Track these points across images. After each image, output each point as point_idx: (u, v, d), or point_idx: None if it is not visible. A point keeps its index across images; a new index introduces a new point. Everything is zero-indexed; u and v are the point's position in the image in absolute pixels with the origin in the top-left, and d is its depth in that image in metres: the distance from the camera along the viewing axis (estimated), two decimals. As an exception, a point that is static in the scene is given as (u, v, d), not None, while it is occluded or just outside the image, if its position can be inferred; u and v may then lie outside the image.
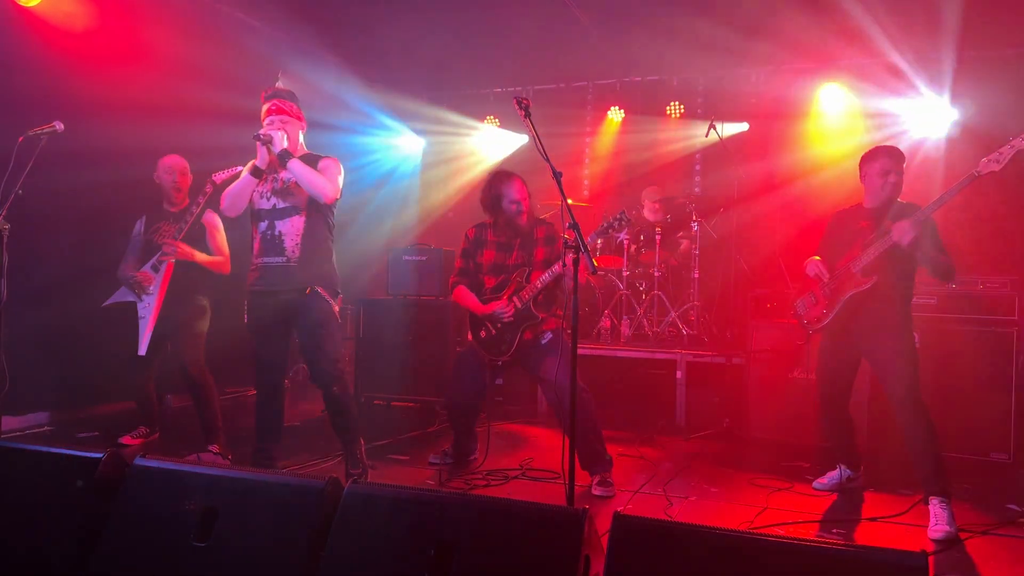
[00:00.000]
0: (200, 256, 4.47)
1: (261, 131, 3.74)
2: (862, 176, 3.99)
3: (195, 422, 4.56)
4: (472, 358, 4.39)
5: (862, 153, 4.02)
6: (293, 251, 3.73)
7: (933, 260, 3.67)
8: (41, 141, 3.88)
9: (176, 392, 6.08)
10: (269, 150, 3.72)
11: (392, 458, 4.68)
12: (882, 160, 3.87)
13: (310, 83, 7.18)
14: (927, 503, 3.56)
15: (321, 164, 3.81)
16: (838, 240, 4.06)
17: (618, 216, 3.91)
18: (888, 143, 4.24)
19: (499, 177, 4.34)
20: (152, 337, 4.42)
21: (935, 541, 3.36)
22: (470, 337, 4.43)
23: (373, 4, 6.46)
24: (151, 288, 4.41)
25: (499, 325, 4.24)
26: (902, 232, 3.56)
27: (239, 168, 4.06)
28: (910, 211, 3.72)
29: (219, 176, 4.28)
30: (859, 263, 3.84)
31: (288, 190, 3.78)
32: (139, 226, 4.67)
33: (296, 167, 3.68)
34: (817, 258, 4.03)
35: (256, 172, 3.77)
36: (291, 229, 3.75)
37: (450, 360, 5.95)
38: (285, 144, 3.71)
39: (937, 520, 3.44)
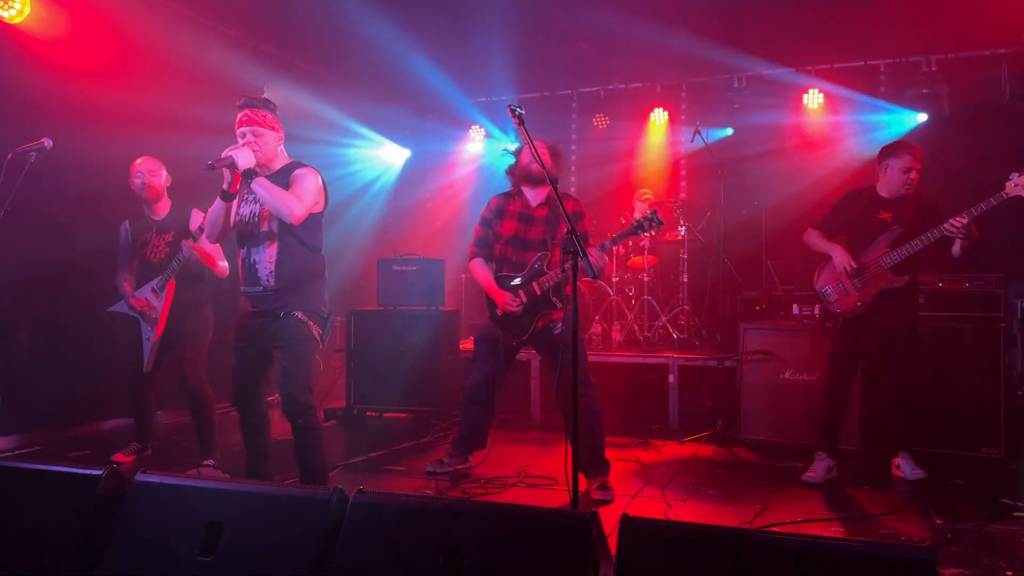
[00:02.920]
0: (211, 256, 4.39)
1: (220, 156, 3.39)
2: (883, 167, 4.26)
3: (185, 439, 4.52)
4: (488, 340, 4.35)
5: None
6: (268, 280, 3.50)
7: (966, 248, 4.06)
8: (30, 158, 3.86)
9: (166, 409, 6.04)
10: (233, 171, 3.41)
11: (387, 469, 4.66)
12: (905, 157, 4.16)
13: (295, 94, 7.19)
14: (896, 456, 4.35)
15: (293, 175, 3.53)
16: (854, 225, 4.32)
17: (649, 216, 3.87)
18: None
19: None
20: (157, 350, 4.46)
21: (915, 482, 4.17)
22: (488, 315, 4.37)
23: (358, 16, 6.46)
24: (154, 315, 4.43)
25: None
26: (960, 227, 3.90)
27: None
28: (929, 205, 4.17)
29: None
30: (891, 259, 4.13)
31: (262, 213, 3.53)
32: (124, 232, 4.64)
33: (259, 188, 3.37)
34: (839, 250, 4.28)
35: (225, 196, 3.48)
36: (264, 257, 3.52)
37: (442, 370, 5.96)
38: (252, 162, 3.39)
39: (912, 467, 4.24)
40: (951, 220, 3.92)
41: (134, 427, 4.80)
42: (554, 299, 4.15)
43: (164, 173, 4.56)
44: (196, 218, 4.49)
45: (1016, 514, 3.70)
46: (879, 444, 4.60)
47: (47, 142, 3.87)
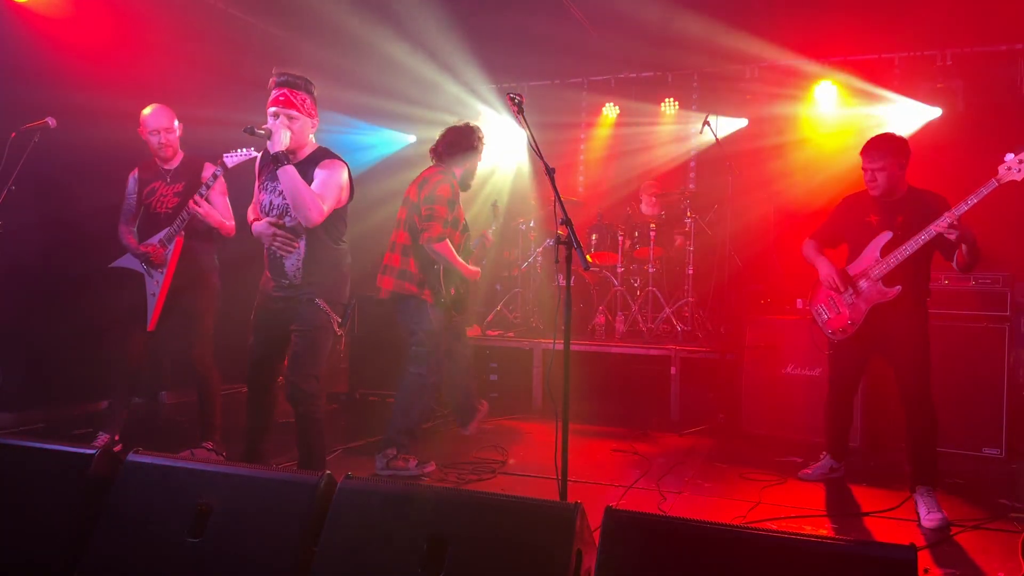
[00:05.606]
0: (216, 217, 4.24)
1: (263, 125, 3.29)
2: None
3: (189, 419, 4.53)
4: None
5: (857, 149, 3.96)
6: (295, 276, 3.46)
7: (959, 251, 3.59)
8: (33, 137, 3.87)
9: (171, 389, 6.08)
10: (263, 144, 3.36)
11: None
12: (863, 158, 3.83)
13: (305, 78, 7.16)
14: (913, 491, 3.69)
15: (318, 169, 3.41)
16: (848, 230, 3.99)
17: None
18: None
19: None
20: (161, 309, 4.25)
21: (932, 530, 3.45)
22: None
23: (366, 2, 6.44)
24: (162, 265, 4.24)
25: None
26: (947, 225, 3.41)
27: (252, 152, 3.87)
28: (926, 204, 3.66)
29: (231, 160, 3.99)
30: (880, 269, 3.77)
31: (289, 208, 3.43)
32: (132, 182, 4.42)
33: (286, 178, 3.26)
34: (829, 265, 3.94)
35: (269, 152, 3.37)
36: (292, 253, 3.46)
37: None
38: (286, 143, 3.29)
39: (928, 509, 3.55)
40: (940, 219, 3.46)
41: (107, 409, 4.48)
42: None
43: (177, 124, 4.37)
44: (208, 172, 4.28)
45: (1012, 515, 3.68)
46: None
47: (51, 121, 3.88)
